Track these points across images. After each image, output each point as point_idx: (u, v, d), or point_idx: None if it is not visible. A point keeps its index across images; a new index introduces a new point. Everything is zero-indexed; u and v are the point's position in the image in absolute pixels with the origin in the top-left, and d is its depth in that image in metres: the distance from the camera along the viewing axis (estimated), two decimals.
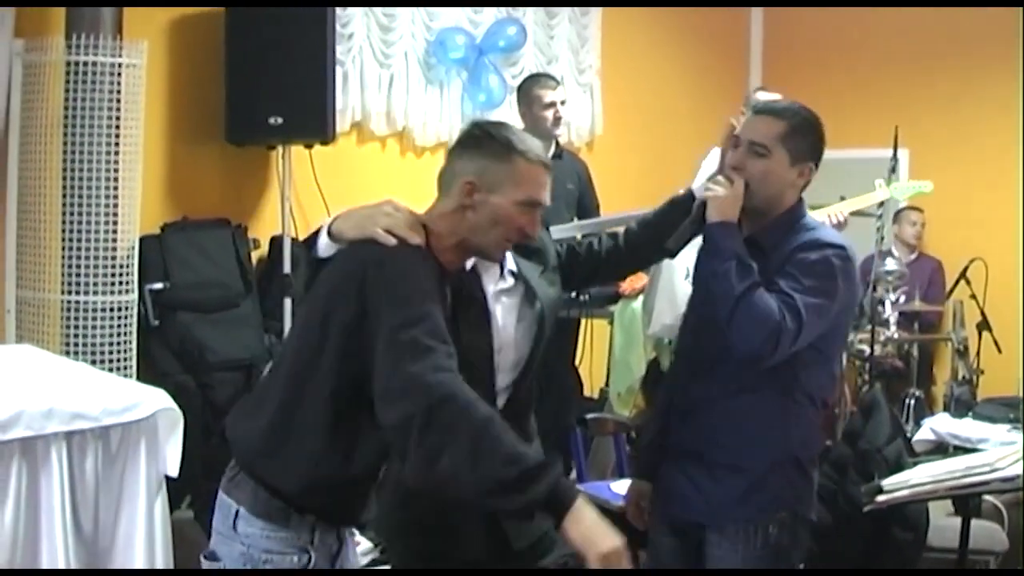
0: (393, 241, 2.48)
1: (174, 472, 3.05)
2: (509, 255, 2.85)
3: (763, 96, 5.95)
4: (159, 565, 3.08)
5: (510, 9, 6.84)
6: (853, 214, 4.98)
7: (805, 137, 2.95)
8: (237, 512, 2.52)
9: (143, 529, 3.01)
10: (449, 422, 2.26)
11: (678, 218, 3.03)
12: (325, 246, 2.60)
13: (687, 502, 2.97)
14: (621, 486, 4.23)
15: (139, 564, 3.01)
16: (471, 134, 2.68)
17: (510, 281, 2.87)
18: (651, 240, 3.09)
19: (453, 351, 2.39)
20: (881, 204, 5.59)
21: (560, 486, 2.27)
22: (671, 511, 3.03)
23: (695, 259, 3.09)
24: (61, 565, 2.86)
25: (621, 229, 3.19)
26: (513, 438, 2.30)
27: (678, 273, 4.57)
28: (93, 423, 2.94)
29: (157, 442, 3.06)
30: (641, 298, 4.92)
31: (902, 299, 6.77)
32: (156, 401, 3.08)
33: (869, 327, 6.13)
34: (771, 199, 2.94)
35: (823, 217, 5.55)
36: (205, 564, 2.59)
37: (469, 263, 2.75)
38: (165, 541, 3.11)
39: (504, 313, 2.83)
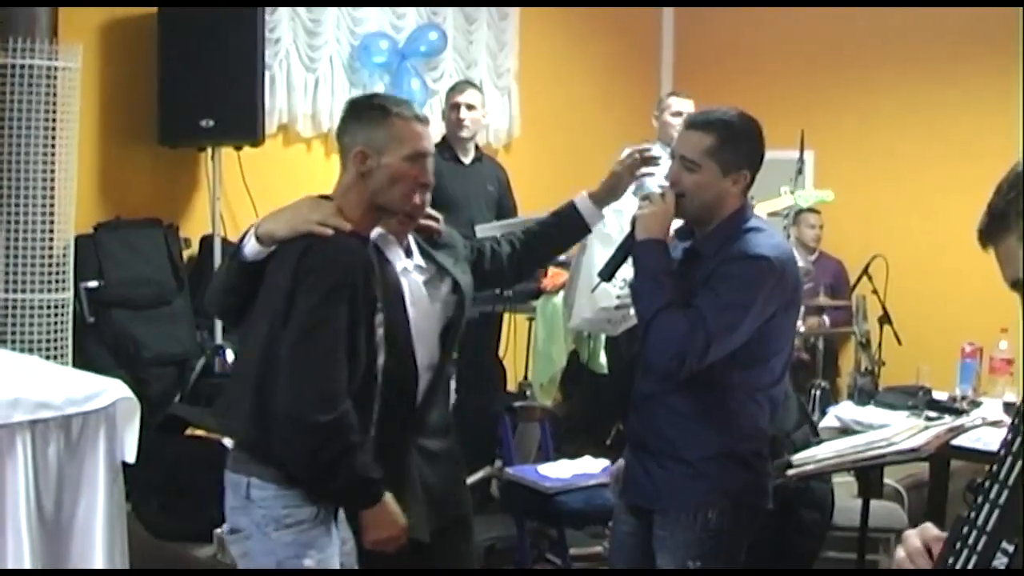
0: (329, 232, 2.73)
1: (131, 458, 3.20)
2: (413, 242, 3.09)
3: (675, 102, 6.22)
4: (117, 549, 3.21)
5: (431, 14, 7.04)
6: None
7: (737, 147, 3.02)
8: (248, 483, 2.78)
9: (102, 513, 3.14)
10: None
11: (560, 229, 3.40)
12: (253, 250, 2.81)
13: (639, 487, 3.14)
14: (547, 469, 4.48)
15: (98, 547, 3.14)
16: (350, 110, 2.94)
17: (417, 261, 3.07)
18: (541, 247, 3.45)
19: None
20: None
21: (377, 495, 2.78)
22: (627, 494, 3.21)
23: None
24: (25, 548, 2.98)
25: (519, 232, 3.47)
26: (362, 460, 2.75)
27: (597, 270, 4.78)
28: (56, 412, 3.06)
29: (116, 430, 3.19)
30: (562, 293, 5.14)
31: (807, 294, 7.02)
32: (115, 391, 3.22)
33: None
34: (708, 208, 3.04)
35: None
36: (229, 539, 2.86)
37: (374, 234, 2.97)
38: (122, 526, 3.25)
39: (413, 288, 3.02)
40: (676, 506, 3.06)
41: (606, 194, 3.38)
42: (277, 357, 2.71)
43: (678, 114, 6.01)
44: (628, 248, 3.08)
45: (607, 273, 3.17)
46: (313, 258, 2.70)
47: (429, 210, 3.11)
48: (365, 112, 2.88)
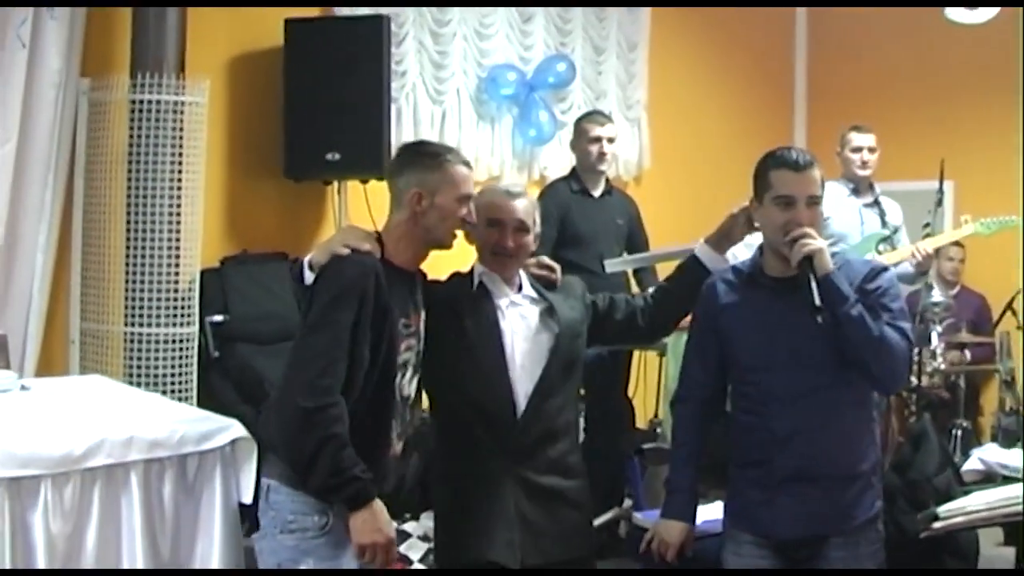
0: (347, 251, 3.02)
1: (248, 499, 3.12)
2: (527, 282, 3.37)
3: (854, 137, 6.01)
4: None
5: (559, 45, 6.94)
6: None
7: None
8: (269, 486, 3.01)
9: (218, 555, 3.07)
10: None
11: (687, 284, 3.45)
12: (308, 277, 3.09)
13: (809, 516, 3.15)
14: None
15: None
16: (403, 155, 3.26)
17: (525, 298, 3.35)
18: (672, 304, 3.53)
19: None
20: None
21: (360, 494, 2.87)
22: (788, 528, 3.18)
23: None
24: None
25: (651, 290, 3.65)
26: (347, 455, 2.86)
27: None
28: (171, 452, 3.00)
29: (233, 471, 3.13)
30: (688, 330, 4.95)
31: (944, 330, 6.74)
32: (233, 431, 3.15)
33: (916, 358, 6.12)
34: None
35: (905, 254, 5.63)
36: (255, 538, 3.05)
37: (477, 279, 3.33)
38: (239, 567, 3.17)
39: (515, 321, 3.30)
40: (862, 523, 3.17)
41: (722, 238, 3.46)
42: None
43: (858, 149, 5.87)
44: (807, 282, 3.09)
45: (818, 311, 3.09)
46: (329, 270, 3.01)
47: (548, 260, 3.49)
48: (419, 157, 3.17)
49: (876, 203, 5.91)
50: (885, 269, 3.24)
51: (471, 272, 3.39)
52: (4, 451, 2.78)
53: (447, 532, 3.36)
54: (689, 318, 5.19)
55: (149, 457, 2.97)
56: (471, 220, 3.17)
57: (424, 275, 3.31)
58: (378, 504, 2.92)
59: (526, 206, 3.36)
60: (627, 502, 4.76)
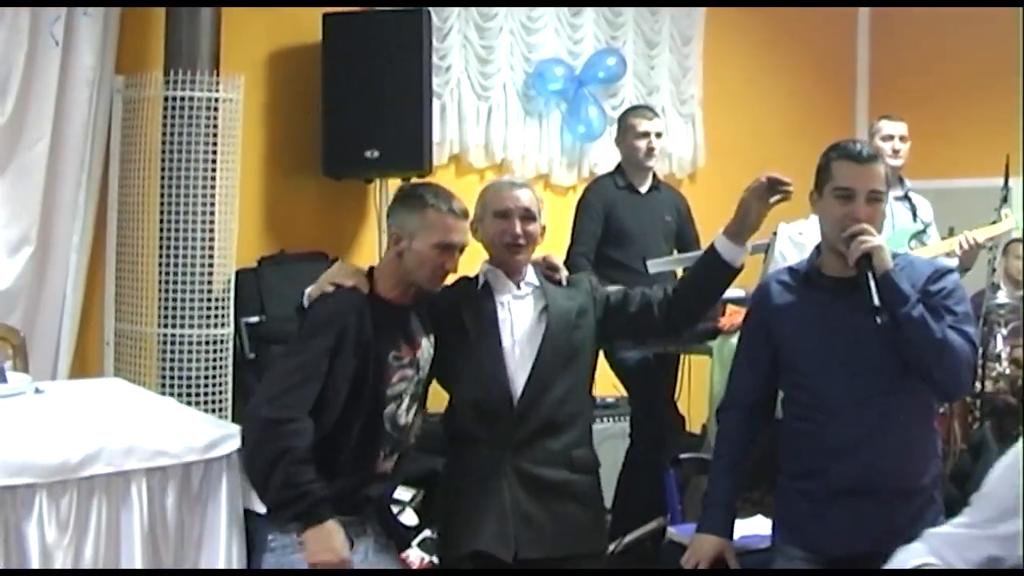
0: (332, 288, 3.16)
1: (263, 508, 3.00)
2: (533, 273, 3.41)
3: (886, 125, 5.79)
4: None
5: (609, 39, 6.78)
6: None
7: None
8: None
9: (223, 564, 2.98)
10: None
11: (704, 276, 3.38)
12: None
13: (865, 532, 3.01)
14: None
15: None
16: (399, 194, 3.36)
17: (527, 290, 3.38)
18: (690, 296, 3.43)
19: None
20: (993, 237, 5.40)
21: (312, 510, 2.88)
22: (827, 547, 3.07)
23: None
24: None
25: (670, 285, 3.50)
26: (303, 470, 2.88)
27: None
28: (174, 460, 2.91)
29: (240, 479, 3.02)
30: (739, 334, 4.77)
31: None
32: (238, 439, 3.03)
33: (980, 362, 5.89)
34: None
35: (950, 247, 5.39)
36: None
37: (482, 278, 3.38)
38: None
39: (516, 313, 3.34)
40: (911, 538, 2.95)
41: (738, 227, 3.29)
42: None
43: (889, 138, 5.62)
44: (865, 281, 2.97)
45: (877, 311, 2.96)
46: (315, 304, 3.15)
47: (554, 260, 3.51)
48: (407, 199, 3.25)
49: (907, 197, 5.66)
50: (951, 271, 3.11)
51: (478, 274, 3.42)
52: None
53: (443, 524, 3.43)
54: (727, 319, 5.06)
55: (151, 466, 2.87)
56: (449, 269, 3.22)
57: (428, 301, 3.34)
58: (332, 524, 2.90)
59: (530, 196, 3.37)
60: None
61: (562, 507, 3.26)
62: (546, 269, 3.47)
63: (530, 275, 3.40)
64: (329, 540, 2.88)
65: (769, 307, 3.24)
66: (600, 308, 3.42)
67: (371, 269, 3.27)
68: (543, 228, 3.40)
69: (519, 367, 3.26)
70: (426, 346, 3.27)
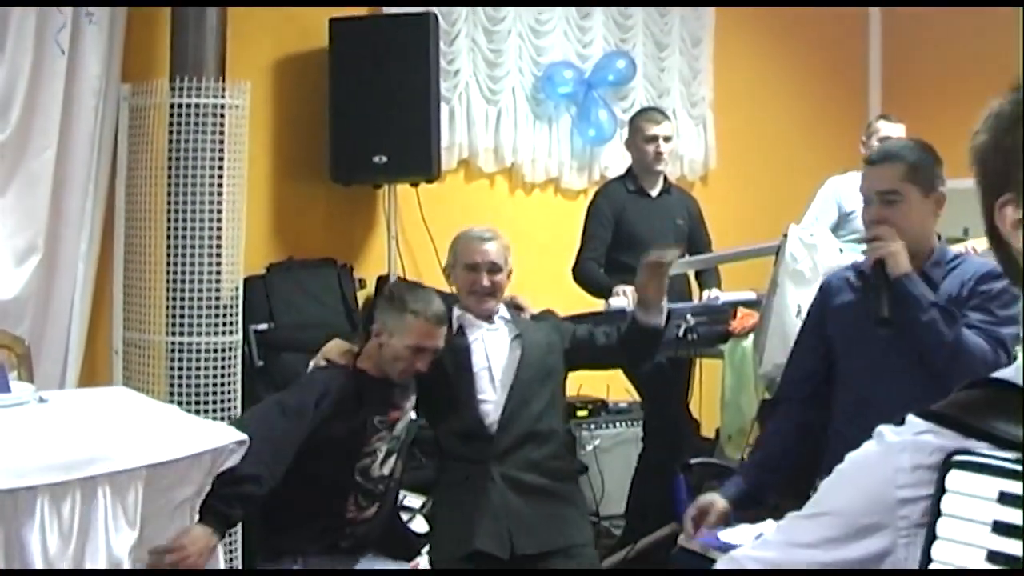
0: (324, 363, 3.61)
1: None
2: (503, 310, 3.87)
3: (884, 126, 5.74)
4: None
5: (619, 42, 6.74)
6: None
7: (928, 165, 3.04)
8: None
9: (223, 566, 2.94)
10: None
11: (640, 337, 3.72)
12: None
13: None
14: (730, 535, 4.04)
15: None
16: (385, 293, 3.92)
17: (499, 324, 3.84)
18: (637, 349, 3.83)
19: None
20: None
21: (214, 513, 2.99)
22: None
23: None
24: None
25: (623, 326, 3.83)
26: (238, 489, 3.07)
27: (790, 311, 4.37)
28: (175, 464, 2.86)
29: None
30: (752, 337, 4.72)
31: None
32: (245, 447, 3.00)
33: None
34: (919, 238, 3.05)
35: (963, 248, 5.32)
36: None
37: (456, 323, 3.81)
38: None
39: (492, 342, 3.79)
40: None
41: (645, 305, 3.68)
42: None
43: (886, 139, 5.55)
44: (879, 287, 3.01)
45: (887, 321, 2.98)
46: (307, 373, 3.63)
47: (520, 300, 4.04)
48: (392, 300, 3.62)
49: None
50: (1000, 275, 3.06)
51: (450, 318, 3.75)
52: None
53: (438, 531, 3.73)
54: (737, 323, 5.02)
55: (152, 464, 2.82)
56: (421, 369, 3.54)
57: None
58: (215, 541, 3.00)
59: (497, 248, 3.79)
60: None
61: (548, 507, 3.64)
62: (513, 308, 3.92)
63: (501, 311, 3.85)
64: (203, 543, 2.93)
65: (828, 305, 3.26)
66: (567, 339, 3.84)
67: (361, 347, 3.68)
68: (510, 273, 3.84)
69: (499, 387, 3.70)
70: (407, 408, 3.63)
